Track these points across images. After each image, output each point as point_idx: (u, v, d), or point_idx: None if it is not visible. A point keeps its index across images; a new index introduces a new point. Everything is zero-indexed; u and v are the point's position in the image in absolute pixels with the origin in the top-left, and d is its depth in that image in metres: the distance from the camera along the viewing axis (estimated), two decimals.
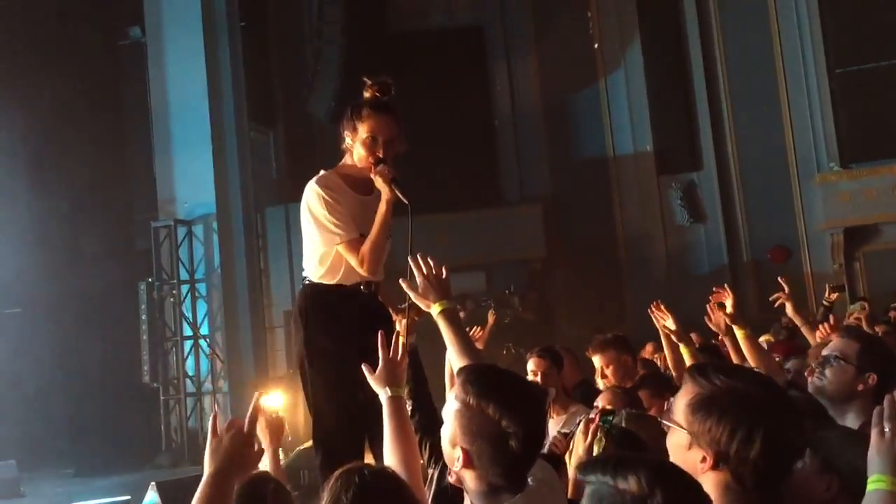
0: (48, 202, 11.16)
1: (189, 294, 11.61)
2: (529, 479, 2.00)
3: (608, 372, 4.43)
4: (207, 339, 11.60)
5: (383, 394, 2.57)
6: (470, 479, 1.96)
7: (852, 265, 13.39)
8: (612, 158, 14.30)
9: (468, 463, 1.93)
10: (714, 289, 4.11)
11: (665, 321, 4.37)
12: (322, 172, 3.55)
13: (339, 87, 12.32)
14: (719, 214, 13.87)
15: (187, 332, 11.51)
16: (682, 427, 1.74)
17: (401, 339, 2.70)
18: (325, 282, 3.51)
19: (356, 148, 3.46)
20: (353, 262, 3.41)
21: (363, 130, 3.45)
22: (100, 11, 12.28)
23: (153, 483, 5.24)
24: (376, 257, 3.42)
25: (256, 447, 2.11)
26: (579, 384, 4.95)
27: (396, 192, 3.35)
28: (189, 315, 11.55)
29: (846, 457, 1.99)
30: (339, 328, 3.52)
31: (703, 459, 1.69)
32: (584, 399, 4.38)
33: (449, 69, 13.74)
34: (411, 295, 2.77)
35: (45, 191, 11.19)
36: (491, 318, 7.88)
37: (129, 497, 5.68)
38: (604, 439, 2.43)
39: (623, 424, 2.98)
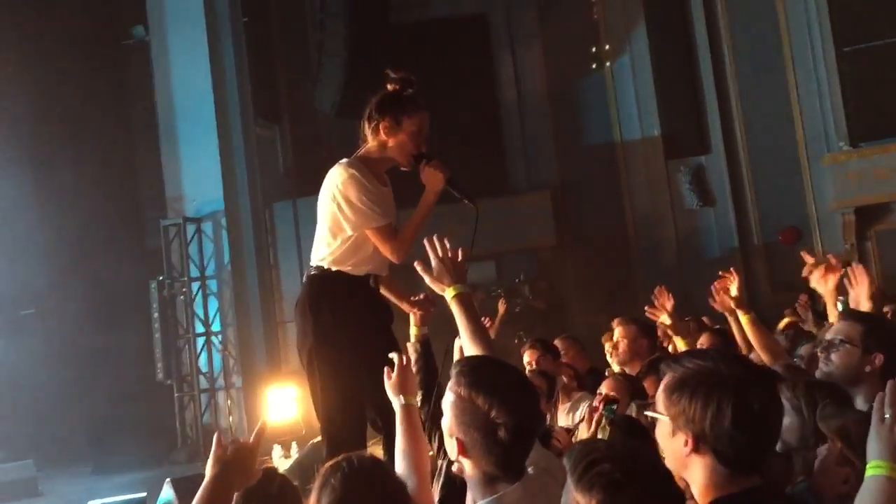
0: (57, 204, 11.21)
1: (200, 291, 11.65)
2: (530, 469, 2.01)
3: (622, 345, 4.47)
4: (219, 336, 11.64)
5: (397, 402, 2.62)
6: (467, 468, 1.99)
7: (864, 245, 13.29)
8: (619, 144, 14.23)
9: (463, 452, 1.96)
10: (720, 273, 4.08)
11: (660, 317, 4.37)
12: (345, 160, 3.54)
13: (343, 80, 12.30)
14: (729, 197, 13.79)
15: (199, 329, 11.55)
16: (662, 415, 1.77)
17: (409, 349, 2.74)
18: (336, 268, 3.52)
19: (397, 140, 3.49)
20: (387, 247, 3.43)
21: (410, 123, 3.50)
22: (102, 11, 12.30)
23: (168, 479, 5.27)
24: (412, 245, 3.44)
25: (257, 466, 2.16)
26: (589, 372, 4.99)
27: (457, 194, 3.47)
28: (201, 312, 11.59)
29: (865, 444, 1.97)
30: (350, 318, 3.53)
31: (686, 443, 1.72)
32: (594, 387, 4.40)
33: (453, 59, 13.69)
34: (426, 278, 2.75)
35: (53, 192, 11.23)
36: (501, 308, 7.91)
37: (145, 493, 5.71)
38: (608, 428, 2.43)
39: (634, 414, 2.98)
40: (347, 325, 3.52)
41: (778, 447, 2.21)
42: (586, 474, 1.50)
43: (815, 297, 6.43)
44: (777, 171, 13.55)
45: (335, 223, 3.48)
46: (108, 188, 11.61)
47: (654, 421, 1.82)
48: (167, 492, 5.14)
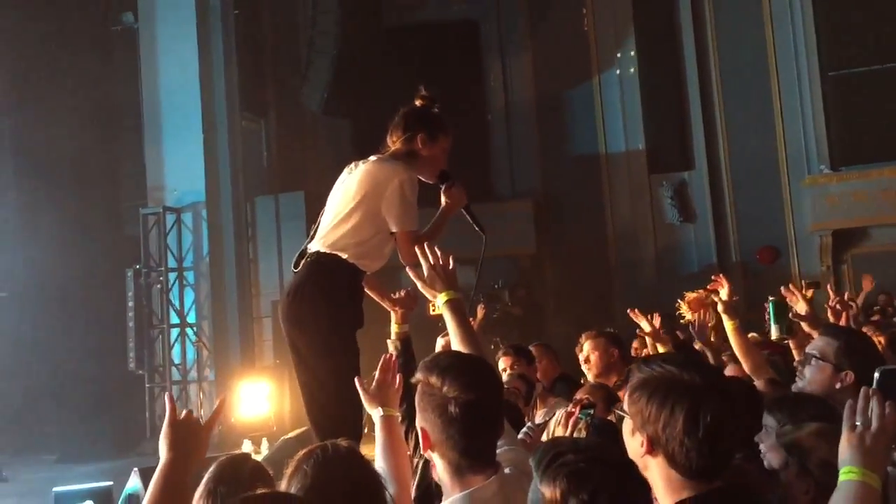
0: (36, 187, 11.09)
1: (176, 282, 11.57)
2: (507, 469, 2.01)
3: (593, 357, 4.49)
4: (194, 328, 11.56)
5: (376, 413, 2.61)
6: (436, 463, 1.99)
7: (840, 267, 13.44)
8: (603, 156, 14.31)
9: (427, 442, 1.97)
10: (712, 277, 4.11)
11: (640, 322, 4.40)
12: (389, 159, 3.56)
13: (331, 78, 12.28)
14: (709, 214, 13.90)
15: (174, 319, 11.46)
16: (626, 413, 1.81)
17: (390, 346, 2.73)
18: (353, 261, 3.48)
19: (430, 154, 3.58)
20: (411, 250, 3.39)
21: (444, 141, 3.64)
22: None
23: (136, 469, 5.20)
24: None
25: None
26: (558, 378, 5.02)
27: (470, 219, 3.60)
28: (176, 303, 11.50)
29: (818, 454, 2.01)
30: (360, 314, 3.54)
31: (642, 444, 1.75)
32: (566, 393, 4.42)
33: (443, 63, 13.72)
34: (418, 284, 2.79)
35: (33, 175, 11.12)
36: (480, 313, 7.90)
37: (111, 483, 5.63)
38: (584, 431, 2.44)
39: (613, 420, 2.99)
40: (358, 321, 3.53)
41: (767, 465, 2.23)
42: (550, 467, 1.51)
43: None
44: (758, 191, 13.67)
45: (377, 217, 3.46)
46: (89, 174, 11.50)
47: (620, 420, 1.86)
48: (134, 481, 5.07)
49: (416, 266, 2.84)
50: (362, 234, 3.46)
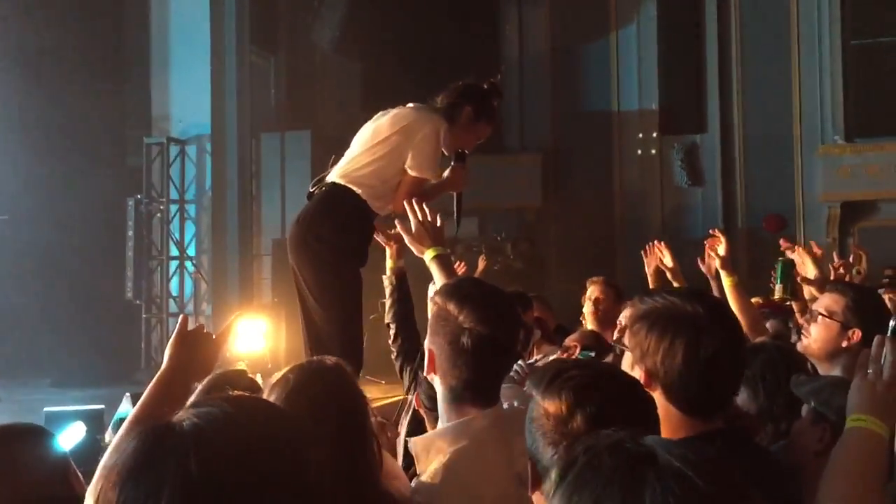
0: (39, 111, 10.95)
1: (178, 214, 11.51)
2: (506, 405, 2.00)
3: (604, 305, 4.50)
4: (193, 261, 11.53)
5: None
6: (438, 385, 1.96)
7: (846, 240, 13.34)
8: (616, 113, 14.14)
9: (432, 365, 1.94)
10: (710, 231, 4.06)
11: (664, 258, 4.40)
12: (432, 109, 3.63)
13: (344, 16, 12.05)
14: (718, 179, 13.79)
15: (174, 251, 11.43)
16: (626, 346, 1.73)
17: (385, 281, 2.73)
18: (368, 201, 3.52)
19: (463, 131, 3.62)
20: (409, 195, 3.43)
21: (483, 127, 3.69)
22: None
23: (128, 394, 5.22)
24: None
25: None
26: (556, 329, 5.01)
27: (455, 207, 3.67)
28: (176, 235, 11.45)
29: (836, 403, 1.98)
30: (365, 253, 3.61)
31: (641, 377, 1.68)
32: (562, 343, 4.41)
33: (458, 9, 13.48)
34: (405, 238, 2.84)
35: (36, 100, 10.97)
36: (481, 264, 7.82)
37: (103, 406, 5.65)
38: None
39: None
40: (362, 258, 3.61)
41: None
42: (554, 382, 1.44)
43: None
44: (769, 158, 13.53)
45: (401, 160, 3.51)
46: (94, 101, 11.34)
47: (620, 353, 1.80)
48: (125, 406, 5.08)
49: (404, 219, 2.89)
50: (382, 175, 3.52)
